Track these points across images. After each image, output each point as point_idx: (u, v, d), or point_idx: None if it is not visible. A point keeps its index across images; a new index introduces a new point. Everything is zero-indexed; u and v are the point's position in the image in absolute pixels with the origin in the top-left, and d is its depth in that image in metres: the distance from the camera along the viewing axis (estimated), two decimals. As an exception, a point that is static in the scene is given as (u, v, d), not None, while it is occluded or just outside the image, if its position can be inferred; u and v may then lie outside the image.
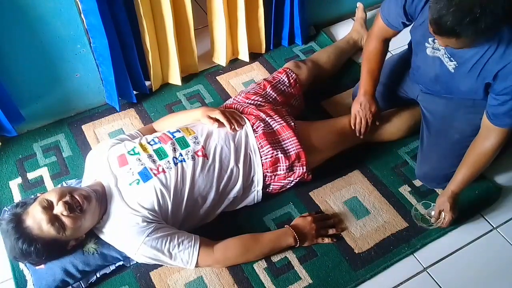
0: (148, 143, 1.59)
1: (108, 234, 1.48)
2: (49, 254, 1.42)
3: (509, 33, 1.29)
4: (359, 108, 1.75)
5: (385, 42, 1.72)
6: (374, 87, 1.75)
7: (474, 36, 1.20)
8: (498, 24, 1.18)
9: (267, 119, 1.69)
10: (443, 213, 1.57)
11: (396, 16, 1.56)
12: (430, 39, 1.48)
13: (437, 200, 1.61)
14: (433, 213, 1.64)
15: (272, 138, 1.64)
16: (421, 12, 1.46)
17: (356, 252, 1.61)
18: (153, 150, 1.56)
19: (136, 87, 2.08)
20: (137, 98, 2.09)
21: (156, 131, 1.71)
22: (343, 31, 2.44)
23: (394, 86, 1.86)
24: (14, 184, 1.82)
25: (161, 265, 1.55)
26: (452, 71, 1.48)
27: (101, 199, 1.48)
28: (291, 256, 1.59)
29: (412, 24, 1.56)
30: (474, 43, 1.29)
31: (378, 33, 1.69)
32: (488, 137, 1.46)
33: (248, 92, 1.83)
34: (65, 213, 1.36)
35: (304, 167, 1.65)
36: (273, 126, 1.68)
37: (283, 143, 1.65)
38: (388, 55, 1.83)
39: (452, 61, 1.46)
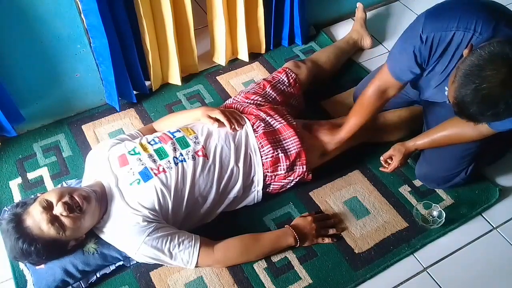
0: (149, 143, 1.59)
1: (108, 233, 1.48)
2: (49, 254, 1.42)
3: None
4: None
5: (383, 95, 1.58)
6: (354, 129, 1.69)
7: (492, 122, 1.23)
8: None
9: (267, 118, 1.69)
10: (391, 160, 1.66)
11: (406, 67, 1.44)
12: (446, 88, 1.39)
13: (394, 146, 1.66)
14: (434, 213, 1.65)
15: (272, 138, 1.64)
16: (433, 64, 1.39)
17: (356, 252, 1.61)
18: (154, 150, 1.56)
19: (136, 87, 2.08)
20: (137, 98, 2.09)
21: (156, 131, 1.71)
22: (343, 31, 2.44)
23: None
24: (14, 184, 1.82)
25: (161, 265, 1.55)
26: None
27: (101, 199, 1.48)
28: (291, 256, 1.59)
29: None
30: None
31: (379, 81, 1.56)
32: (476, 128, 1.45)
33: (248, 92, 1.83)
34: (64, 213, 1.37)
35: (304, 166, 1.65)
36: (273, 125, 1.68)
37: (283, 142, 1.65)
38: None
39: None
